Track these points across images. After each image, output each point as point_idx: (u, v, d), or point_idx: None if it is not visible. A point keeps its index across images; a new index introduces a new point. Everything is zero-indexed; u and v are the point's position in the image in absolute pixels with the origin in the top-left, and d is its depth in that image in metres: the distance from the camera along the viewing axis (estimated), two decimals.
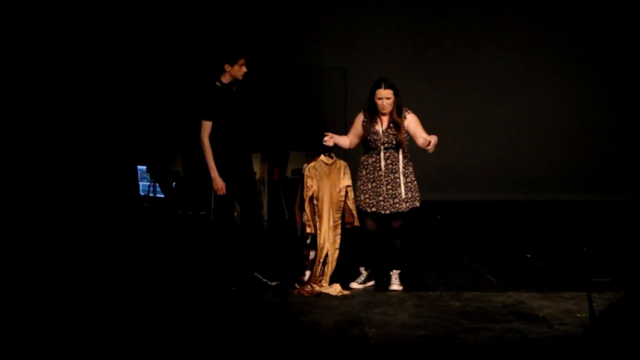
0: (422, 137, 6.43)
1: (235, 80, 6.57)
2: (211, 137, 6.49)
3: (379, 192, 6.49)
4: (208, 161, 6.50)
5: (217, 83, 6.55)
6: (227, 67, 6.52)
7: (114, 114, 10.76)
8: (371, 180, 6.52)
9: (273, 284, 6.64)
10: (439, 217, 10.62)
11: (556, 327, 5.46)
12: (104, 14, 10.73)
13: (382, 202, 6.49)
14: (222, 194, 6.51)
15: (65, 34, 10.35)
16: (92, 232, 9.14)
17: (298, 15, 12.25)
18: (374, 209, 6.52)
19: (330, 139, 6.54)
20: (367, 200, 6.54)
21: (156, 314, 5.85)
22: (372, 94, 6.52)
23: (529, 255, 8.06)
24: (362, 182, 6.57)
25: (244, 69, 6.54)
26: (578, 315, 5.72)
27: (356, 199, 6.62)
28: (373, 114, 6.54)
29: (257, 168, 10.52)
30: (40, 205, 9.68)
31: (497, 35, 12.55)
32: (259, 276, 6.67)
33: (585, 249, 8.29)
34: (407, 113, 6.55)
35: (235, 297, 6.33)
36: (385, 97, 6.47)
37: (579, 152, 12.49)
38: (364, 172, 6.57)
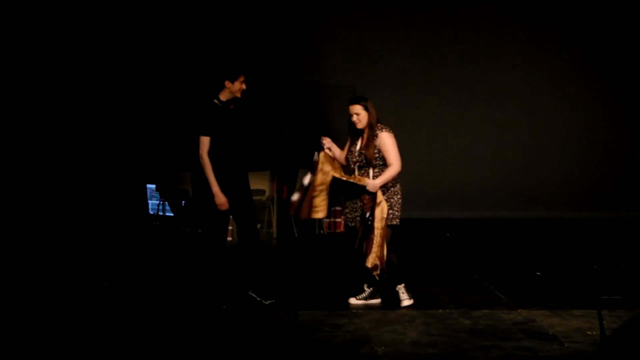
0: (388, 162, 6.46)
1: (233, 99, 6.58)
2: (209, 154, 6.51)
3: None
4: (209, 176, 6.49)
5: (215, 100, 6.57)
6: (228, 84, 6.52)
7: (123, 133, 10.81)
8: None
9: (267, 302, 6.62)
10: (448, 234, 10.62)
11: (567, 345, 5.44)
12: (123, 32, 10.80)
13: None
14: (225, 209, 6.52)
15: (79, 52, 10.43)
16: (101, 250, 9.17)
17: (307, 34, 12.31)
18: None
19: (328, 142, 6.62)
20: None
21: (163, 334, 5.86)
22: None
23: (538, 273, 8.04)
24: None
25: (244, 86, 6.55)
26: (589, 333, 5.70)
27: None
28: (352, 132, 6.64)
29: (266, 186, 10.56)
30: (50, 222, 9.72)
31: (503, 54, 12.59)
32: (254, 295, 6.64)
33: (595, 267, 8.27)
34: (379, 131, 6.53)
35: (244, 315, 6.33)
36: (354, 113, 6.56)
37: (588, 169, 12.48)
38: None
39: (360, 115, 6.54)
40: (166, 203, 11.12)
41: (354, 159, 6.57)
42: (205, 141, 6.50)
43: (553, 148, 12.57)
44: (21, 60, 9.95)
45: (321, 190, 6.51)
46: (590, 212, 12.02)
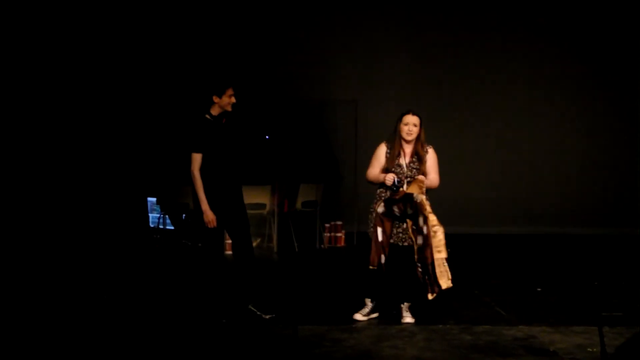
0: (432, 177, 6.56)
1: (224, 112, 6.58)
2: (201, 170, 6.51)
3: (399, 224, 6.50)
4: (199, 194, 6.49)
5: (207, 116, 6.57)
6: (216, 99, 6.52)
7: (125, 146, 10.82)
8: None
9: (267, 317, 6.60)
10: (449, 250, 10.58)
11: None
12: (126, 40, 10.84)
13: (400, 234, 6.52)
14: (212, 226, 6.51)
15: (83, 61, 10.47)
16: (102, 262, 9.16)
17: (310, 48, 12.34)
18: (391, 241, 6.52)
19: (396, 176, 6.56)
20: (400, 234, 6.55)
21: (162, 348, 5.84)
22: (399, 122, 6.60)
23: (539, 289, 8.03)
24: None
25: (233, 100, 6.54)
26: (589, 349, 5.69)
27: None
28: (397, 145, 6.58)
29: (267, 200, 10.56)
30: (51, 234, 9.72)
31: (505, 72, 12.63)
32: (254, 309, 6.63)
33: (596, 283, 8.26)
34: (428, 147, 6.65)
35: (244, 329, 6.32)
36: (412, 123, 6.56)
37: (589, 186, 12.50)
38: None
39: (416, 127, 6.57)
40: (167, 216, 11.13)
41: (406, 174, 6.54)
42: (196, 158, 6.49)
43: (554, 165, 12.60)
44: (27, 74, 9.98)
45: (436, 230, 6.47)
46: (591, 228, 12.02)
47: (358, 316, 6.68)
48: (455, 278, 8.66)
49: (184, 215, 11.07)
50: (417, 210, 6.42)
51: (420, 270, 6.44)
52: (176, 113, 11.41)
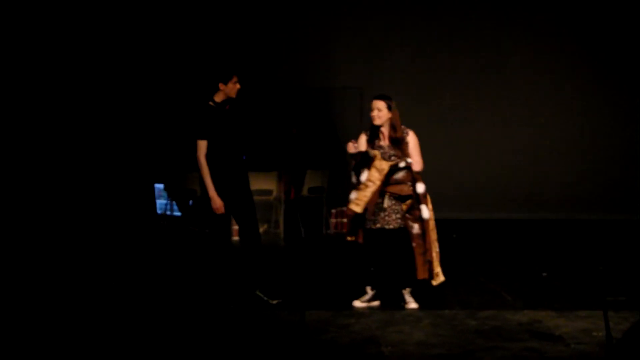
0: (415, 161, 6.58)
1: (228, 99, 6.62)
2: (207, 157, 6.54)
3: (383, 207, 6.53)
4: (206, 180, 6.52)
5: (210, 102, 6.60)
6: (221, 86, 6.55)
7: (132, 132, 10.85)
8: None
9: (274, 302, 6.65)
10: (454, 235, 10.64)
11: (572, 346, 5.46)
12: (128, 31, 10.87)
13: (386, 217, 6.54)
14: (220, 213, 6.56)
15: (86, 53, 10.49)
16: (109, 249, 9.21)
17: (315, 36, 12.34)
18: (378, 225, 6.55)
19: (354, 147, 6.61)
20: (386, 217, 6.56)
21: (170, 333, 5.89)
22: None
23: (544, 274, 8.07)
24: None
25: (238, 86, 6.59)
26: (594, 334, 5.72)
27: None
28: (373, 131, 6.65)
29: (273, 187, 10.60)
30: (57, 222, 9.76)
31: (507, 58, 12.60)
32: (260, 294, 6.68)
33: (600, 268, 8.28)
34: (408, 130, 6.67)
35: (251, 315, 6.37)
36: (376, 108, 6.60)
37: (592, 171, 12.48)
38: None
39: (381, 112, 6.59)
40: (174, 202, 11.17)
41: (388, 153, 6.57)
42: (202, 145, 6.52)
43: (558, 150, 12.57)
44: (32, 63, 10.00)
45: (366, 187, 6.49)
46: (594, 214, 12.02)
47: (357, 303, 6.70)
48: (460, 263, 8.75)
49: (191, 201, 11.12)
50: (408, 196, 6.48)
51: (421, 255, 6.49)
52: (182, 100, 11.44)
